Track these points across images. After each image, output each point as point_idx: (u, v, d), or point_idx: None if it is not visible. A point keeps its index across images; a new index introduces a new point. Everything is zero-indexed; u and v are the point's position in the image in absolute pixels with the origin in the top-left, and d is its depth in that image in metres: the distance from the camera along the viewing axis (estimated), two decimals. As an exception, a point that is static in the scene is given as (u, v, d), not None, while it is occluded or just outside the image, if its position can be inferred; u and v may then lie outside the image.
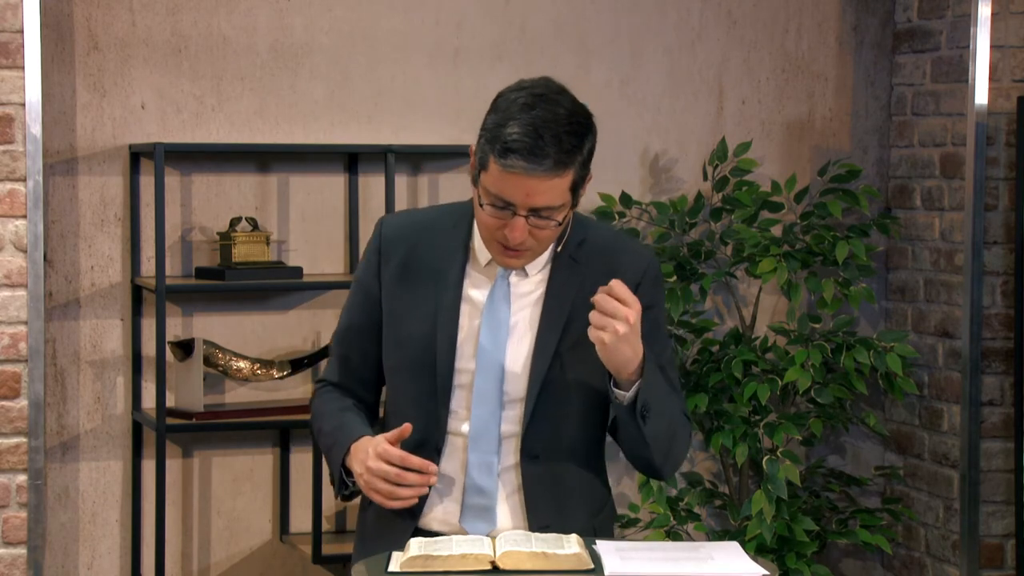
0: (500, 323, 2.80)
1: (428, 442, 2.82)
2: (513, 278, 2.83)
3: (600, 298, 2.65)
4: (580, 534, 2.70)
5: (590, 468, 2.92)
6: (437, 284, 2.82)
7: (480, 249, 2.84)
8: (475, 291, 2.83)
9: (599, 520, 2.93)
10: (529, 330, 2.82)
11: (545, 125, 2.66)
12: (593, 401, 2.85)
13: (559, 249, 2.84)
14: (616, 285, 2.66)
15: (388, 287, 2.86)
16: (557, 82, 2.80)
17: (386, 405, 2.97)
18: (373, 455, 2.71)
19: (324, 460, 2.98)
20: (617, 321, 2.63)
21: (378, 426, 2.99)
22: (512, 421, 2.82)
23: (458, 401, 2.82)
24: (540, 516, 2.82)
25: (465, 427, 2.82)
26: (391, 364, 2.89)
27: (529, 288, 2.84)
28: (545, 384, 2.80)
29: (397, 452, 2.70)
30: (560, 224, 2.73)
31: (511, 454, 2.83)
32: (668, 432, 2.82)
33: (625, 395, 2.72)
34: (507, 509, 2.84)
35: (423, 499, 2.81)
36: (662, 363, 2.85)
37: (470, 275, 2.84)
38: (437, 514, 2.84)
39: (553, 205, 2.69)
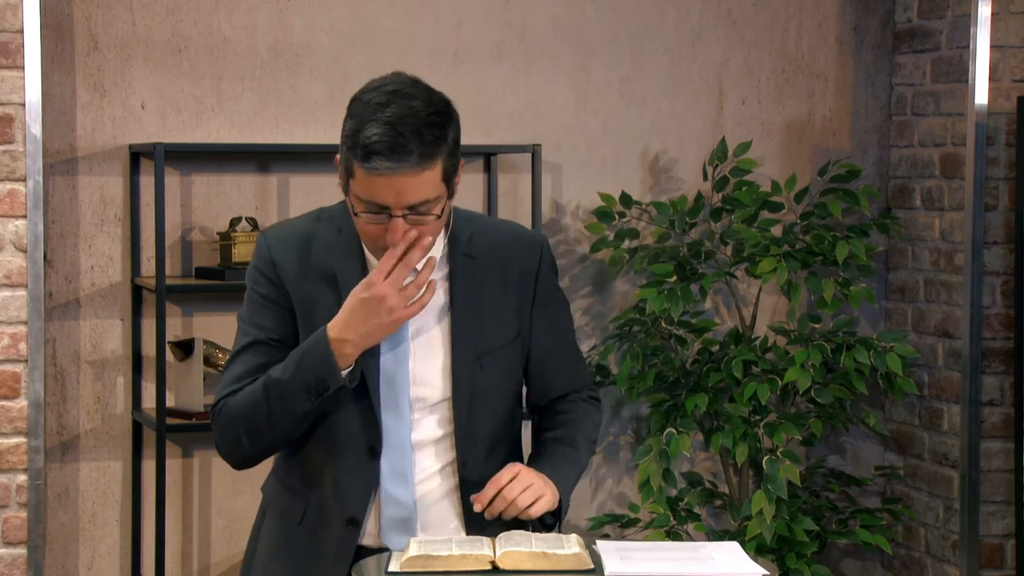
0: (398, 330, 2.73)
1: (364, 442, 2.75)
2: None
3: (498, 503, 2.67)
4: (519, 528, 2.71)
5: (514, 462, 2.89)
6: (341, 292, 2.72)
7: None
8: None
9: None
10: (440, 335, 2.77)
11: (403, 121, 2.58)
12: (512, 398, 2.85)
13: (448, 250, 2.78)
14: (488, 491, 2.68)
15: (296, 297, 2.77)
16: (409, 75, 2.73)
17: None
18: (366, 283, 2.62)
19: (274, 401, 2.71)
20: (528, 492, 2.67)
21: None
22: (437, 427, 2.77)
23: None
24: (476, 518, 2.77)
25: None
26: None
27: None
28: (474, 388, 2.76)
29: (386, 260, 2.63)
30: (439, 217, 2.66)
31: (440, 458, 2.78)
32: (589, 455, 2.93)
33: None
34: (434, 517, 2.78)
35: (363, 504, 2.75)
36: (566, 346, 2.91)
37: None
38: (389, 518, 2.77)
39: (428, 199, 2.62)
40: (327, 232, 2.79)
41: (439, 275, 2.77)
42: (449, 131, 2.64)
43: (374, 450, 2.74)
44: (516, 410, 2.88)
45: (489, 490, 2.69)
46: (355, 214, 2.65)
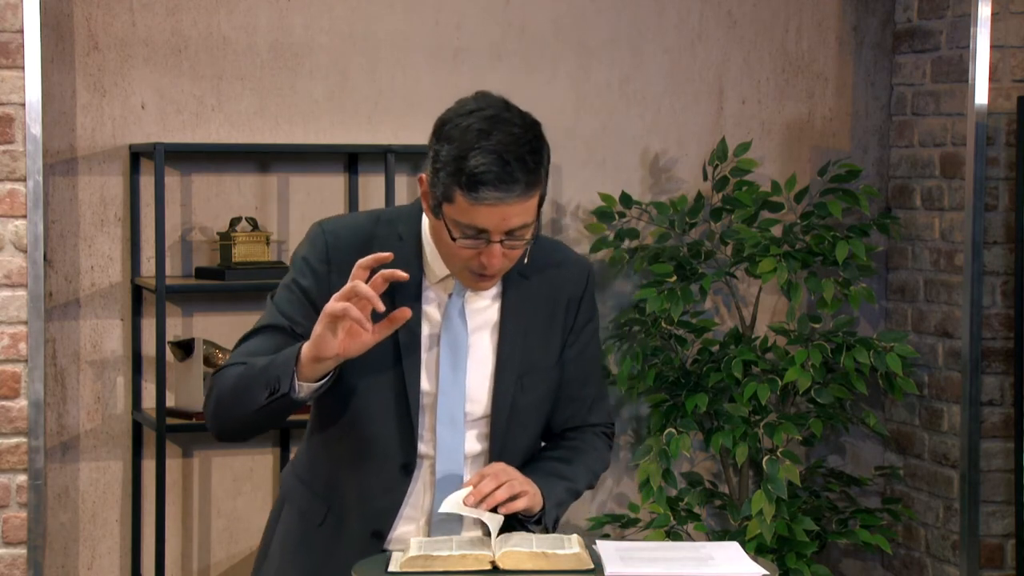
0: (459, 343, 2.76)
1: (399, 459, 2.75)
2: (468, 294, 2.76)
3: (503, 491, 2.66)
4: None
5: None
6: (395, 299, 2.70)
7: (434, 264, 2.75)
8: (430, 307, 2.77)
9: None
10: (489, 352, 2.79)
11: (508, 150, 2.59)
12: (544, 418, 2.87)
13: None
14: (485, 487, 2.65)
15: None
16: (497, 95, 2.71)
17: (334, 422, 2.80)
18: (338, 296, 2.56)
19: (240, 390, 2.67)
20: (508, 484, 2.65)
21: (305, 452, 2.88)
22: (474, 441, 2.79)
23: (421, 422, 2.76)
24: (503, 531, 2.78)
25: (428, 448, 2.76)
26: (350, 381, 2.75)
27: (483, 304, 2.79)
28: (513, 406, 2.78)
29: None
30: (529, 240, 2.68)
31: (471, 473, 2.79)
32: (587, 483, 2.91)
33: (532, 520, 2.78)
34: (470, 524, 2.79)
35: (389, 519, 2.76)
36: (591, 377, 2.90)
37: (425, 291, 2.76)
38: (404, 535, 2.77)
39: (526, 223, 2.64)
40: (387, 236, 2.77)
41: (493, 292, 2.79)
42: (544, 155, 2.66)
43: (408, 467, 2.75)
44: (542, 430, 2.90)
45: (469, 482, 2.68)
46: (452, 239, 2.63)
